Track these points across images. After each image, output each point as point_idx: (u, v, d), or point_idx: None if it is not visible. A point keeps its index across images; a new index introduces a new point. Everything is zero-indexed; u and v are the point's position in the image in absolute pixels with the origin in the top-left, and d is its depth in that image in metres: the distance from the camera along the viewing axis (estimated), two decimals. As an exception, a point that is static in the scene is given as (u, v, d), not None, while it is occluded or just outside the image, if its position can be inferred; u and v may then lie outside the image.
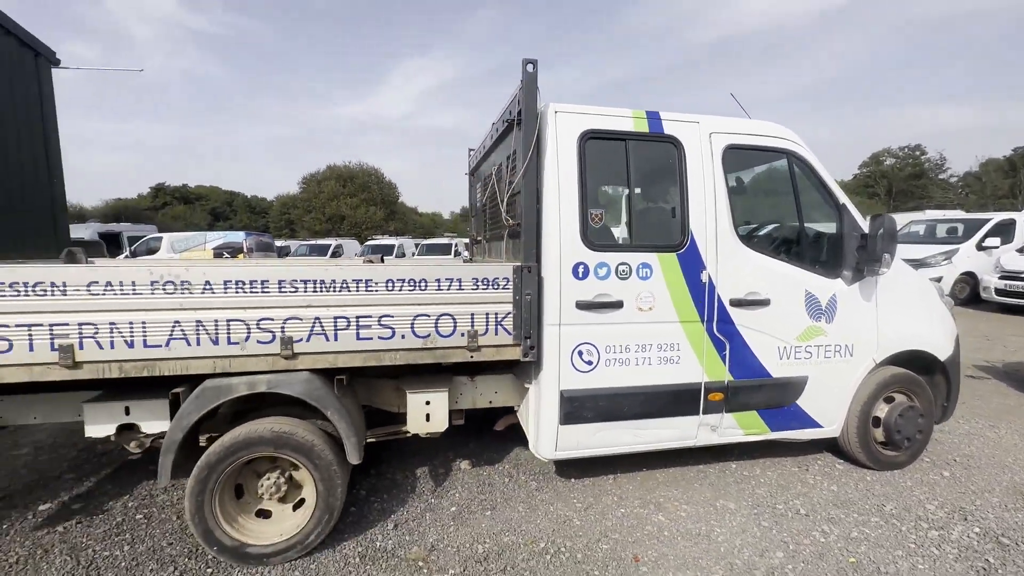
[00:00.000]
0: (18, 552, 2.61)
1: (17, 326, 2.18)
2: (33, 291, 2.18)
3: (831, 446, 3.71)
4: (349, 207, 39.76)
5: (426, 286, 2.56)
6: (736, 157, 3.08)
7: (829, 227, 3.27)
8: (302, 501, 2.68)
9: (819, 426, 3.29)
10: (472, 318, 2.63)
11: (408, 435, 3.02)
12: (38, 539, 2.73)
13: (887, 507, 3.01)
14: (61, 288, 2.20)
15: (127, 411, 2.63)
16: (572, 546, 2.66)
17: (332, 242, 20.07)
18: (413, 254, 20.19)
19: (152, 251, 15.69)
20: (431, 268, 2.59)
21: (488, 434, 3.84)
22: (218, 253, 15.73)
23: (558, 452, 2.91)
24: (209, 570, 2.47)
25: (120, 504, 3.10)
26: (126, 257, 14.83)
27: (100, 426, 2.61)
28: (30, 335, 2.20)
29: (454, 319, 2.61)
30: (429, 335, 2.59)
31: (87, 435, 2.61)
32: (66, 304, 2.21)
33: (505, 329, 2.68)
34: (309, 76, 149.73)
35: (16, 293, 2.17)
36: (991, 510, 2.98)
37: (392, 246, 20.59)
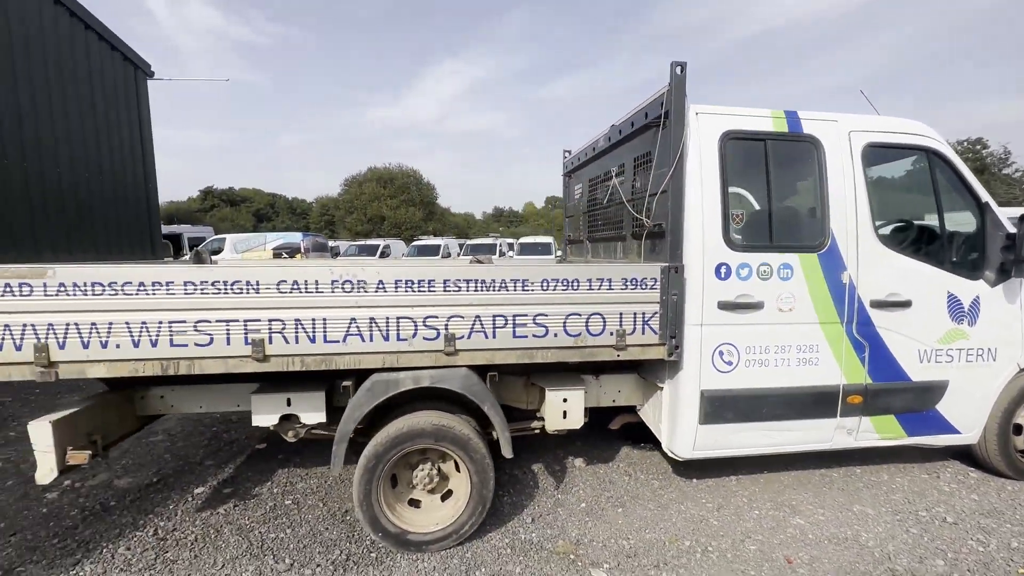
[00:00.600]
0: (193, 531, 2.81)
1: (217, 321, 2.36)
2: (231, 289, 2.35)
3: (957, 454, 3.59)
4: (389, 208, 40.56)
5: (578, 286, 2.62)
6: (875, 155, 3.02)
7: (969, 226, 3.17)
8: (449, 492, 2.79)
9: (957, 432, 3.19)
10: (620, 317, 2.68)
11: (536, 432, 3.10)
12: (205, 520, 2.94)
13: (1040, 518, 2.90)
14: (255, 287, 2.37)
15: (288, 402, 2.79)
16: (718, 545, 2.67)
17: (380, 242, 20.54)
18: (457, 254, 20.49)
19: (216, 252, 16.46)
20: (583, 268, 2.65)
21: (596, 433, 3.89)
22: (277, 254, 16.34)
23: (695, 452, 2.92)
24: (373, 555, 2.61)
25: (266, 490, 3.29)
26: (188, 257, 15.70)
27: (265, 416, 2.78)
28: (228, 330, 2.37)
29: (604, 318, 2.66)
30: (580, 334, 2.65)
31: (254, 423, 2.79)
32: (259, 302, 2.37)
33: (651, 328, 2.72)
34: (345, 81, 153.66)
35: (217, 291, 2.34)
36: None
37: (438, 246, 20.98)
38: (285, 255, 16.23)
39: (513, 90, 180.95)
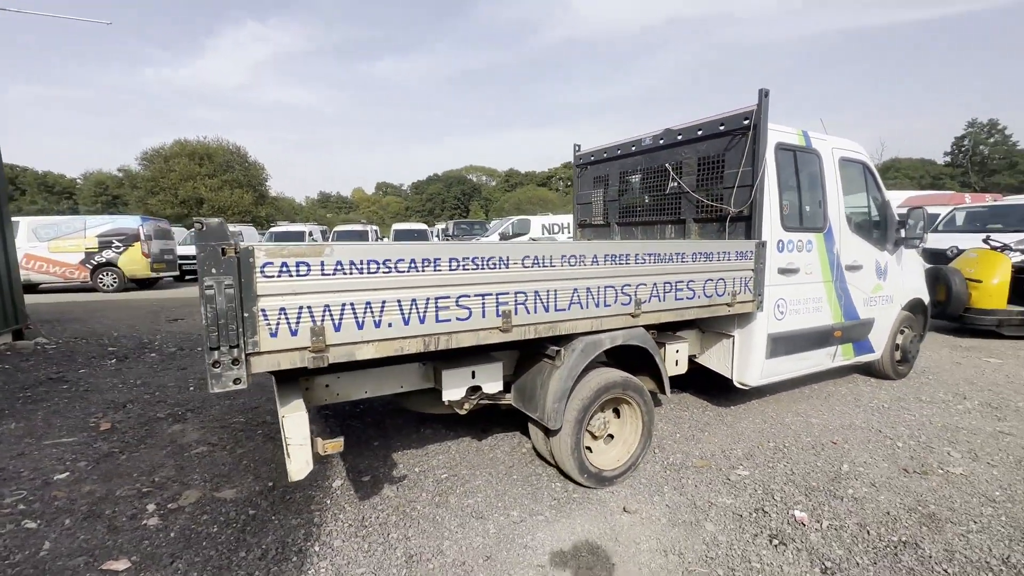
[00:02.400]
0: (389, 511, 2.80)
1: (475, 296, 2.48)
2: (487, 265, 2.49)
3: (855, 370, 5.36)
4: (209, 189, 34.90)
5: (712, 257, 3.36)
6: (844, 165, 4.39)
7: (880, 215, 4.80)
8: (611, 436, 3.30)
9: (874, 352, 4.84)
10: (733, 281, 3.50)
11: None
12: (391, 501, 2.92)
13: (923, 397, 4.67)
14: (506, 263, 2.55)
15: (473, 375, 2.97)
16: (786, 442, 3.73)
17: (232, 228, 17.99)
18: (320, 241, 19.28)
19: None
20: (711, 244, 3.39)
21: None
22: (105, 241, 13.26)
23: (760, 380, 3.94)
24: (576, 495, 3.00)
25: (454, 456, 3.31)
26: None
27: (455, 390, 2.92)
28: (483, 304, 2.51)
29: (724, 282, 3.45)
30: (712, 295, 3.40)
31: (444, 399, 2.90)
32: (508, 276, 2.56)
33: (749, 289, 3.61)
34: (115, 28, 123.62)
35: (476, 267, 2.46)
36: (952, 387, 4.82)
37: (302, 232, 19.40)
38: (116, 243, 13.31)
39: (334, 66, 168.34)
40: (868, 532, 2.63)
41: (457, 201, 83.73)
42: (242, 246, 1.95)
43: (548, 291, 2.70)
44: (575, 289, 2.80)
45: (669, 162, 4.37)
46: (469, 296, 2.47)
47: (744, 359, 3.92)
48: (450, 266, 2.39)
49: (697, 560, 2.42)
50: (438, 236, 24.10)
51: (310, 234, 19.23)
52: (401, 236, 19.69)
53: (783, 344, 3.96)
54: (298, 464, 2.22)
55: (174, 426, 4.13)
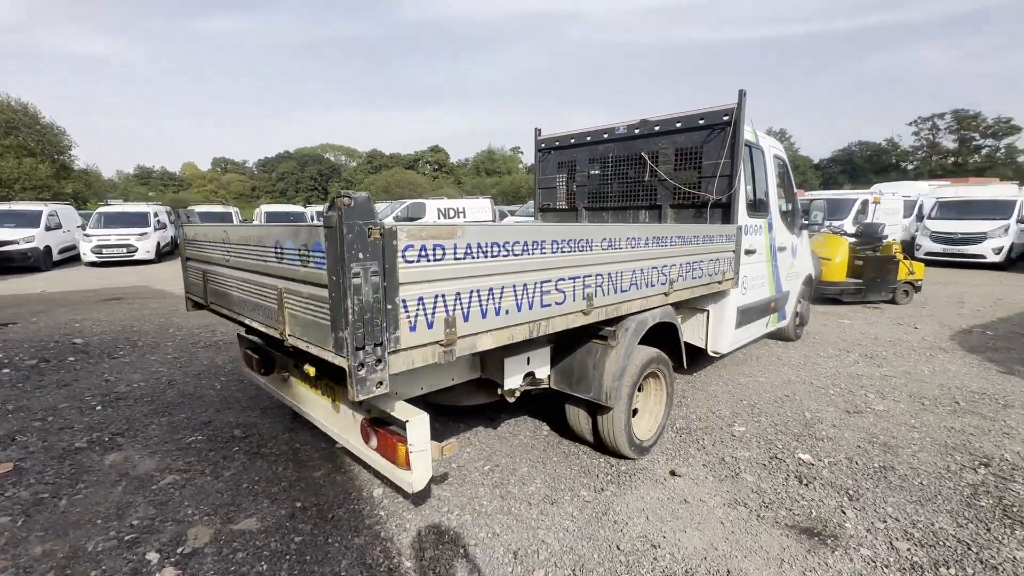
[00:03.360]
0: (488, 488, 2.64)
1: (570, 279, 2.43)
2: (577, 247, 2.45)
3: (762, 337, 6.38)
4: (-18, 157, 26.90)
5: (712, 240, 3.72)
6: (775, 161, 5.14)
7: (789, 205, 5.72)
8: (635, 410, 3.51)
9: (786, 319, 5.81)
10: (722, 261, 3.92)
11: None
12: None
13: (822, 353, 5.75)
14: (590, 244, 2.53)
15: (528, 361, 2.93)
16: (763, 399, 4.34)
17: (43, 207, 14.25)
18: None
19: None
20: (714, 228, 3.75)
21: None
22: None
23: (730, 347, 4.47)
24: (623, 468, 3.15)
25: (481, 447, 3.13)
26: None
27: (515, 377, 2.85)
28: (573, 287, 2.47)
29: (719, 262, 3.85)
30: (713, 274, 3.77)
31: (506, 387, 2.82)
32: (591, 259, 2.55)
33: (731, 268, 4.07)
34: None
35: (570, 250, 2.41)
36: (835, 344, 6.07)
37: (229, 213, 17.14)
38: None
39: (152, 16, 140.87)
40: (857, 463, 3.23)
41: (313, 182, 77.37)
42: (386, 226, 1.66)
43: (618, 273, 2.76)
44: (634, 271, 2.90)
45: (646, 151, 4.67)
46: (564, 279, 2.42)
47: (717, 330, 4.42)
48: (552, 249, 2.32)
49: (759, 507, 2.74)
50: (314, 219, 22.10)
51: (155, 215, 16.21)
52: (275, 219, 17.66)
53: (744, 316, 4.56)
54: (419, 473, 2.00)
55: (109, 456, 3.28)
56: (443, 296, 1.87)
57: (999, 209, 13.62)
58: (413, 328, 1.79)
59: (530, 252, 2.20)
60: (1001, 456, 3.31)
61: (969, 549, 2.39)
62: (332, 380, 2.48)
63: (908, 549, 2.40)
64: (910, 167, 54.38)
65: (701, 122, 4.24)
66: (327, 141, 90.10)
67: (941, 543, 2.44)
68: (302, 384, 2.84)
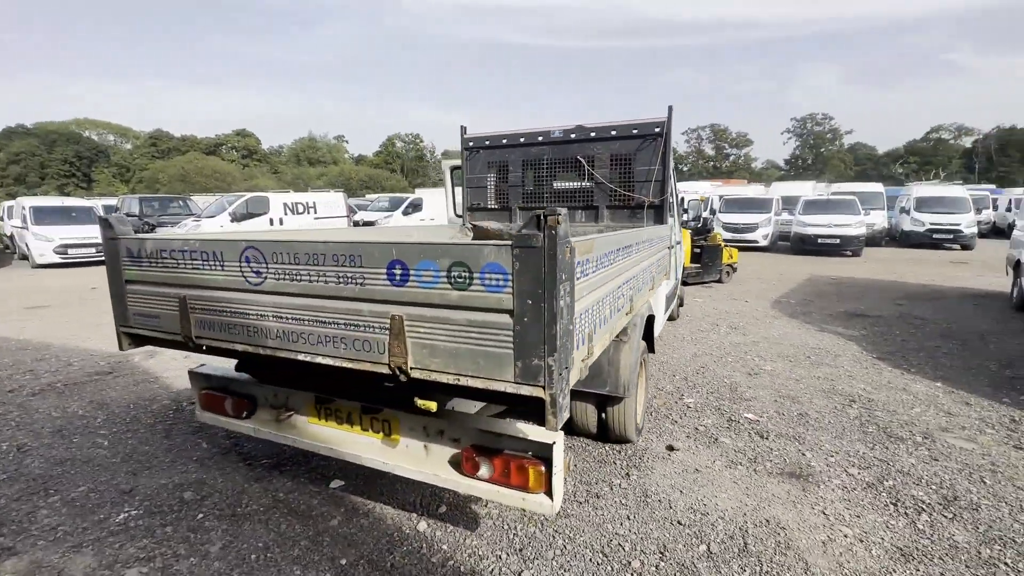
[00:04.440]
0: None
1: (625, 282, 2.56)
2: (636, 249, 2.60)
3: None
4: None
5: (665, 239, 4.21)
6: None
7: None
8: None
9: (681, 303, 6.82)
10: (665, 256, 4.46)
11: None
12: (506, 520, 2.66)
13: (701, 328, 6.89)
14: (636, 248, 2.70)
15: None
16: (687, 371, 5.06)
17: None
18: None
19: None
20: (664, 228, 4.23)
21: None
22: None
23: (659, 332, 5.10)
24: (628, 451, 3.43)
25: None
26: None
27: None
28: (627, 290, 2.61)
29: (664, 256, 4.37)
30: (663, 266, 4.26)
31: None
32: (637, 260, 2.72)
33: (667, 261, 4.64)
34: None
35: (634, 252, 2.54)
36: (704, 320, 7.37)
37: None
38: None
39: None
40: (783, 414, 4.06)
41: (69, 167, 61.53)
42: (571, 242, 1.59)
43: (640, 273, 2.99)
44: (642, 270, 3.16)
45: (582, 155, 4.97)
46: (625, 283, 2.54)
47: (657, 318, 5.01)
48: (631, 251, 2.42)
49: (749, 463, 3.28)
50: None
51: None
52: (49, 215, 13.61)
53: (667, 302, 5.25)
54: (559, 494, 1.94)
55: (4, 564, 2.33)
56: (588, 310, 1.84)
57: (764, 205, 17.77)
58: (577, 348, 1.73)
59: (628, 256, 2.27)
60: (858, 394, 4.50)
61: (889, 465, 3.26)
62: (377, 412, 2.21)
63: (858, 473, 3.16)
64: (685, 168, 66.72)
65: (635, 132, 4.71)
66: (85, 115, 71.96)
67: (870, 464, 3.28)
68: (325, 422, 2.43)
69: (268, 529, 2.59)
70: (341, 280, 1.82)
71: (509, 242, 1.51)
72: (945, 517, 2.71)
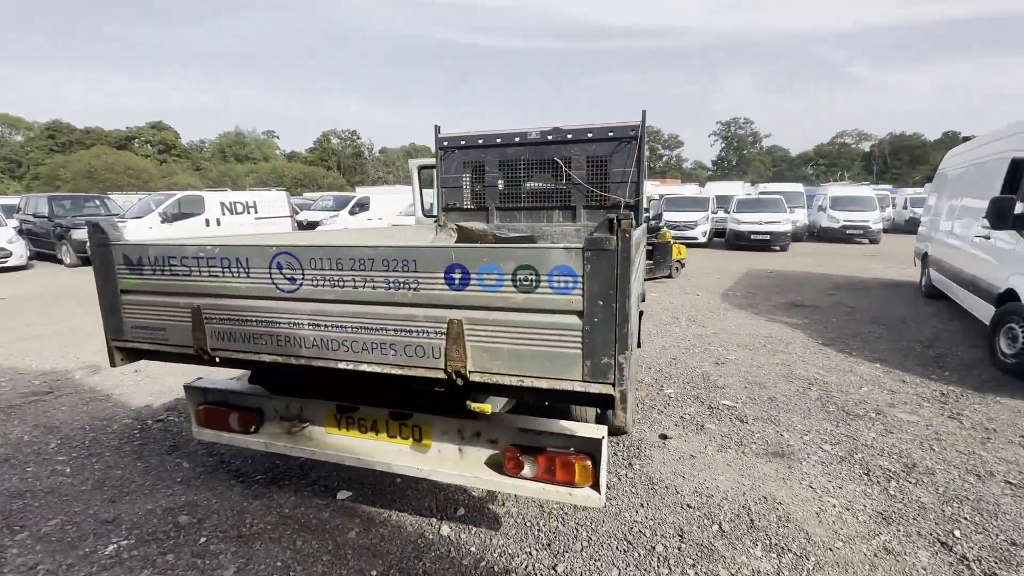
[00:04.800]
0: (549, 522, 2.66)
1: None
2: (640, 252, 2.71)
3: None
4: None
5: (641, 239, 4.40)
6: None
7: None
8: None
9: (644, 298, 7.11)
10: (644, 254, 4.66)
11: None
12: (528, 517, 2.71)
13: (662, 321, 7.24)
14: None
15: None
16: (661, 361, 5.31)
17: None
18: None
19: None
20: (640, 229, 4.41)
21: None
22: None
23: (634, 326, 5.33)
24: (627, 442, 3.57)
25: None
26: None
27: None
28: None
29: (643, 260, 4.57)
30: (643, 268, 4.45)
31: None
32: (641, 261, 2.84)
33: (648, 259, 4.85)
34: None
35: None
36: (663, 313, 7.76)
37: None
38: None
39: None
40: (755, 399, 4.38)
41: (-60, 161, 54.32)
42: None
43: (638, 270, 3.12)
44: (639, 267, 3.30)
45: (559, 156, 5.08)
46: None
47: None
48: (641, 249, 2.52)
49: (736, 445, 3.52)
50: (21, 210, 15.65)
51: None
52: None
53: (640, 299, 5.48)
54: (604, 487, 2.01)
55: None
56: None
57: (702, 204, 18.85)
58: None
59: (639, 256, 2.37)
60: (814, 377, 4.94)
61: (854, 440, 3.62)
62: (408, 416, 2.19)
63: (831, 448, 3.49)
64: (621, 168, 69.18)
65: (610, 134, 4.88)
66: (-38, 103, 63.51)
67: (839, 440, 3.62)
68: (346, 432, 2.36)
69: (283, 547, 2.48)
70: (392, 285, 1.78)
71: (580, 245, 1.56)
72: (910, 483, 3.06)
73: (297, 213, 17.55)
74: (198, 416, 2.59)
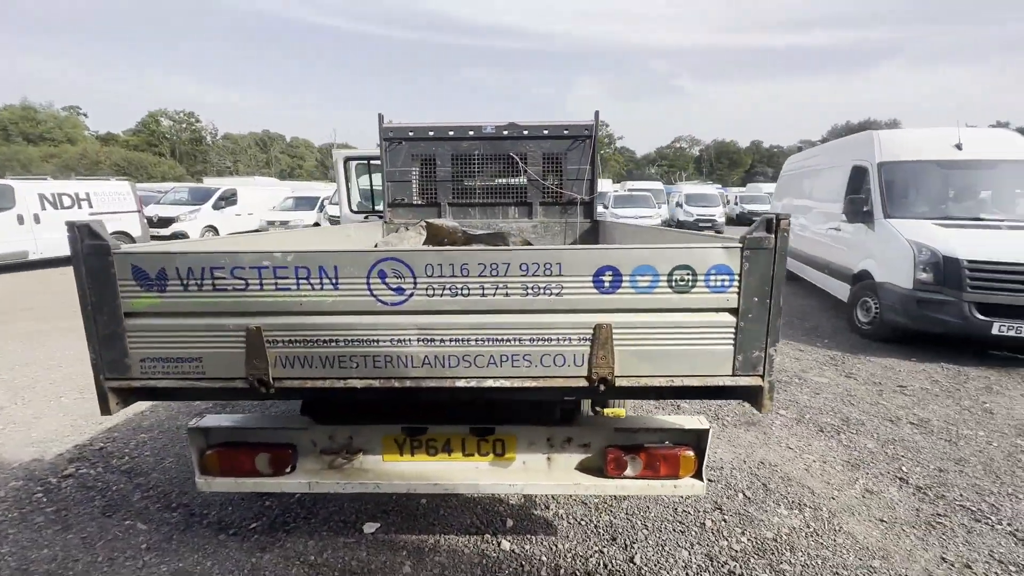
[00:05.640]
0: (602, 517, 2.69)
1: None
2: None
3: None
4: None
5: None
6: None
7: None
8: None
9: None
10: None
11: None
12: (580, 516, 2.71)
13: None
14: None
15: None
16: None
17: None
18: None
19: None
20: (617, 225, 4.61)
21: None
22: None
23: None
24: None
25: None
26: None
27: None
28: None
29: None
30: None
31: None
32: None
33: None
34: None
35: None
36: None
37: None
38: None
39: None
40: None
41: None
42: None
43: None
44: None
45: (516, 152, 5.04)
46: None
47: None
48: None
49: (716, 419, 3.90)
50: None
51: None
52: None
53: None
54: (706, 477, 2.10)
55: None
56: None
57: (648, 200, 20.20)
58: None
59: None
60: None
61: (797, 403, 4.25)
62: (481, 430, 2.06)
63: (785, 412, 4.06)
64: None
65: (566, 132, 5.00)
66: None
67: (787, 404, 4.22)
68: (411, 457, 2.12)
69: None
70: (530, 291, 1.63)
71: (738, 244, 1.60)
72: (853, 433, 3.71)
73: (148, 205, 14.74)
74: (208, 463, 2.08)
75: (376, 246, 4.68)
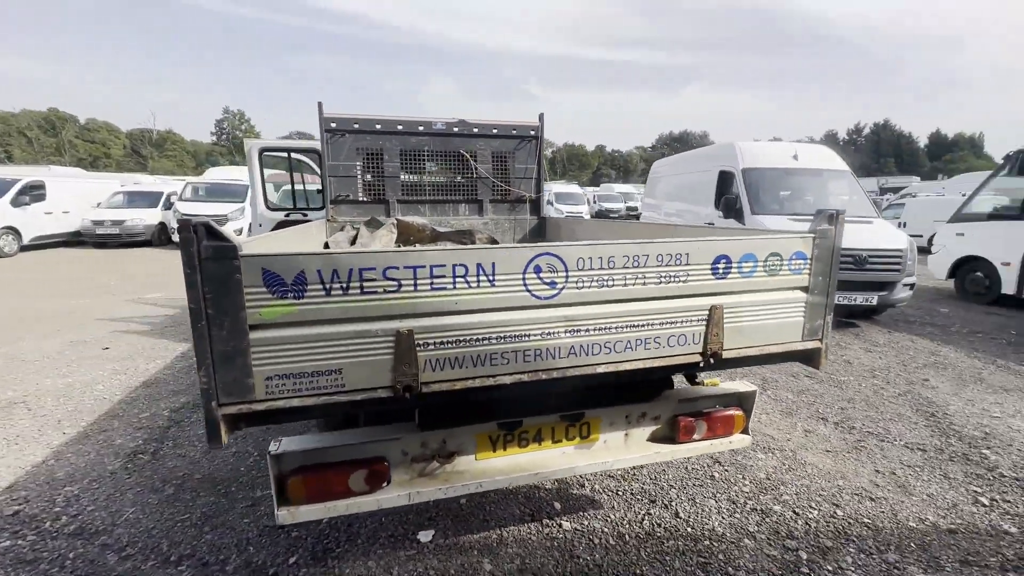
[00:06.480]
0: (635, 485, 2.97)
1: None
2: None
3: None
4: None
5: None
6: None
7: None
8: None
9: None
10: (556, 244, 5.17)
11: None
12: (616, 488, 2.95)
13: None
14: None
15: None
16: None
17: None
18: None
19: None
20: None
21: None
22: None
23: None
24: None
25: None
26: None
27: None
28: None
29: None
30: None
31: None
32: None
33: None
34: None
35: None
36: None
37: None
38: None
39: None
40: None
41: None
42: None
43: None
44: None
45: (466, 149, 5.03)
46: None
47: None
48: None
49: (672, 391, 4.46)
50: None
51: None
52: None
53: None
54: (751, 431, 2.48)
55: None
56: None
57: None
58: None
59: None
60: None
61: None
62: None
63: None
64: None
65: (514, 132, 5.16)
66: None
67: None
68: (504, 452, 2.16)
69: (436, 610, 2.06)
70: (663, 280, 1.81)
71: (812, 234, 1.98)
72: (774, 389, 4.56)
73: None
74: (292, 491, 1.83)
75: (326, 246, 4.33)
